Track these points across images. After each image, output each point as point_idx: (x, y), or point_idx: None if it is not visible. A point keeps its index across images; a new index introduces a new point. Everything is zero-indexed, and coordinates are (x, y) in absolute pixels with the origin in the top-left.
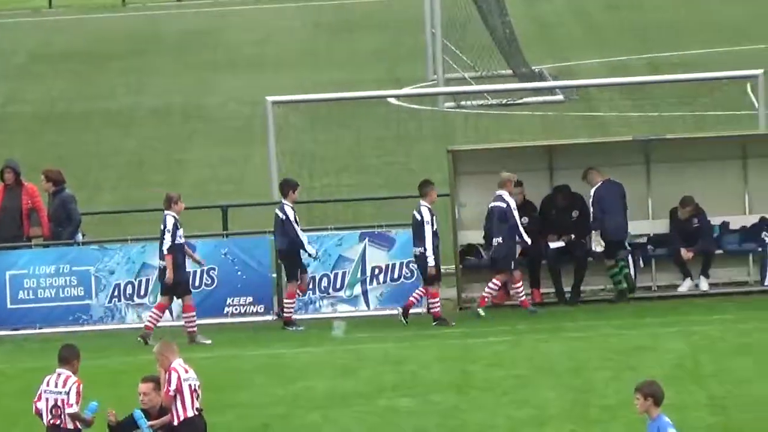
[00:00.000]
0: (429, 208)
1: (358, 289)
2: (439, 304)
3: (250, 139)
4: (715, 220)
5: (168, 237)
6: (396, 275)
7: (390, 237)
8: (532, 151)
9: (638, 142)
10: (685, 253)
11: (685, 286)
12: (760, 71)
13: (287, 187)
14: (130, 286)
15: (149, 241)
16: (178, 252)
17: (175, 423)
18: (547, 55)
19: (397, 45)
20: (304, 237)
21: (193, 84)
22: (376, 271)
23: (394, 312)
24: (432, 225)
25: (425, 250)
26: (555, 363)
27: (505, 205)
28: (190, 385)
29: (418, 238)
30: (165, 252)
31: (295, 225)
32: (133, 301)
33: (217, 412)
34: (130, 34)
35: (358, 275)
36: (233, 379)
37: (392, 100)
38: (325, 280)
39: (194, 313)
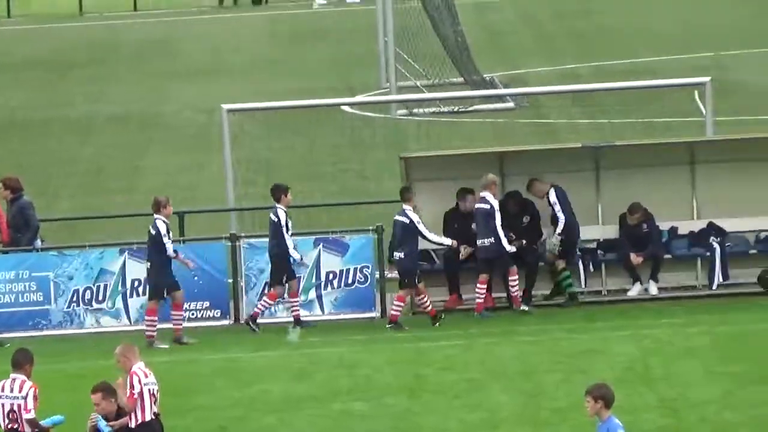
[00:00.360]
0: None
1: (312, 294)
2: (401, 307)
3: (206, 147)
4: (664, 226)
5: (168, 243)
6: (350, 280)
7: (344, 243)
8: (484, 157)
9: (588, 148)
10: (635, 258)
11: (635, 291)
12: (707, 79)
13: (278, 191)
14: (88, 292)
15: (107, 247)
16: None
17: (132, 425)
18: (498, 63)
19: (350, 54)
20: (290, 242)
21: (150, 92)
22: (331, 276)
23: (349, 316)
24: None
25: (412, 253)
26: (506, 366)
27: (489, 207)
28: (149, 390)
29: (404, 242)
30: (172, 256)
31: (284, 229)
32: (91, 306)
33: (177, 416)
34: (89, 43)
35: (313, 280)
36: (191, 383)
37: (346, 108)
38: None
39: (182, 313)
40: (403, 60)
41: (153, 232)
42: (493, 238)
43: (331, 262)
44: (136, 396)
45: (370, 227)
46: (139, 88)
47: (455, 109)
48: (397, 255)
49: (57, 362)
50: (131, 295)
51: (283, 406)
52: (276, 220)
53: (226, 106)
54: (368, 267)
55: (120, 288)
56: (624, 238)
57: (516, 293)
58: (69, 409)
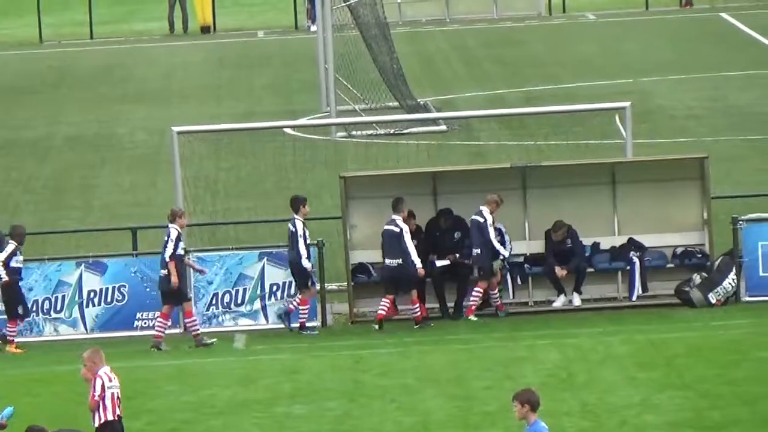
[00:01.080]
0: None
1: (257, 305)
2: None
3: (157, 166)
4: (587, 241)
5: (171, 246)
6: (293, 291)
7: (286, 256)
8: (418, 177)
9: (515, 168)
10: (559, 271)
11: (559, 302)
12: (627, 104)
13: (297, 202)
14: (47, 302)
15: (65, 260)
16: (178, 261)
17: (96, 425)
18: (431, 88)
19: (292, 79)
20: (304, 251)
21: (105, 115)
22: (274, 287)
23: (292, 325)
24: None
25: (409, 257)
26: (439, 373)
27: (482, 220)
28: (113, 393)
29: (397, 249)
30: (167, 260)
31: (301, 239)
32: (50, 315)
33: (131, 418)
34: (47, 69)
35: (258, 291)
36: (144, 388)
37: (288, 130)
38: (227, 296)
39: (195, 318)
40: (343, 86)
41: (165, 239)
42: (479, 250)
43: (274, 275)
44: (97, 398)
45: (312, 242)
46: (94, 110)
47: (391, 132)
48: (388, 262)
49: (17, 368)
50: (87, 305)
51: (230, 410)
52: (294, 230)
53: (176, 128)
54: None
55: (77, 298)
56: (549, 252)
57: (498, 302)
58: (29, 409)
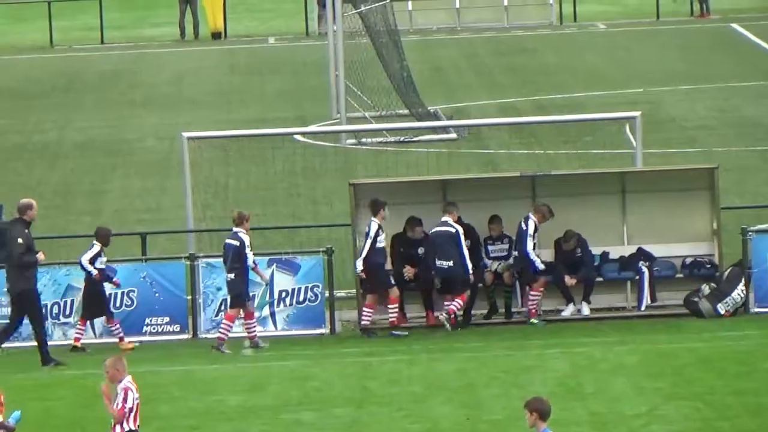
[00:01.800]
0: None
1: (266, 311)
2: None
3: (167, 172)
4: (596, 250)
5: (249, 252)
6: (301, 298)
7: (296, 263)
8: (428, 185)
9: (525, 177)
10: (569, 280)
11: (568, 311)
12: (637, 113)
13: (377, 205)
14: (56, 306)
15: (74, 265)
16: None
17: None
18: (442, 96)
19: (303, 86)
20: (365, 252)
21: (115, 120)
22: (283, 294)
23: (301, 332)
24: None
25: (464, 259)
26: (448, 381)
27: (524, 228)
28: (137, 403)
29: (451, 250)
30: (251, 266)
31: (370, 240)
32: (59, 320)
33: (141, 424)
34: (57, 74)
35: (267, 298)
36: (153, 393)
37: (298, 137)
38: None
39: (255, 321)
40: (353, 93)
41: (236, 243)
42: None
43: (283, 281)
44: (126, 411)
45: (321, 249)
46: (104, 116)
47: (401, 139)
48: (439, 263)
49: (27, 372)
50: None
51: (238, 416)
52: (367, 230)
53: (186, 134)
54: (318, 286)
55: None
56: (559, 261)
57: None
58: (37, 413)
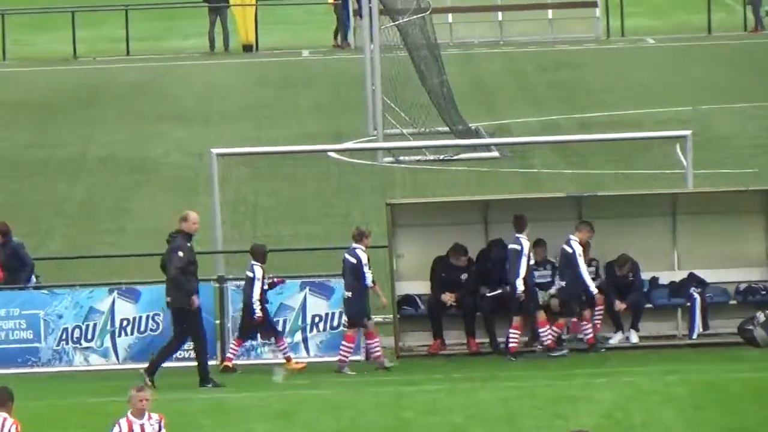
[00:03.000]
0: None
1: (298, 337)
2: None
3: (194, 190)
4: (645, 275)
5: (367, 271)
6: (335, 323)
7: (329, 286)
8: (468, 205)
9: (572, 198)
10: (618, 305)
11: (616, 339)
12: (688, 132)
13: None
14: (77, 330)
15: (97, 286)
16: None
17: None
18: (483, 113)
19: (338, 101)
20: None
21: (140, 134)
22: (316, 319)
23: (334, 359)
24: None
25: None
26: (489, 411)
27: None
28: None
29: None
30: (369, 284)
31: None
32: (80, 344)
33: None
34: (81, 86)
35: (299, 323)
36: (180, 421)
37: (332, 154)
38: None
39: (376, 340)
40: (390, 108)
41: (353, 261)
42: (565, 282)
43: (316, 306)
44: None
45: None
46: (128, 130)
47: (441, 158)
48: (558, 284)
49: (46, 398)
50: (119, 335)
51: None
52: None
53: (215, 150)
54: None
55: (108, 327)
56: (610, 286)
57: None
58: None
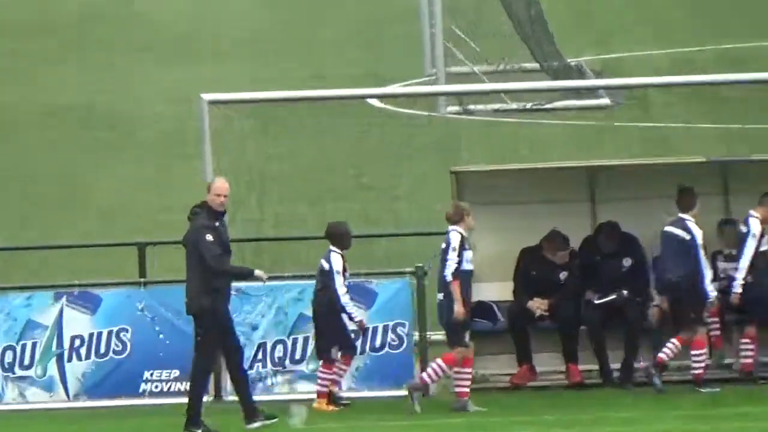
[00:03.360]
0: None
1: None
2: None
3: (179, 151)
4: None
5: (453, 256)
6: (378, 343)
7: (370, 289)
8: (566, 174)
9: (714, 164)
10: None
11: None
12: None
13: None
14: (9, 353)
15: (37, 289)
16: (463, 279)
17: None
18: (588, 44)
19: (379, 28)
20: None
21: (102, 77)
22: (352, 335)
23: (376, 393)
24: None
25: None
26: None
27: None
28: None
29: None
30: (448, 278)
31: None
32: (12, 373)
33: None
34: (16, 18)
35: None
36: None
37: (373, 102)
38: (279, 348)
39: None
40: (456, 38)
41: (443, 246)
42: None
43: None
44: None
45: (407, 268)
46: (87, 71)
47: (527, 106)
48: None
49: None
50: (70, 359)
51: None
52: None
53: (206, 96)
54: (404, 324)
55: (54, 348)
56: None
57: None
58: None
